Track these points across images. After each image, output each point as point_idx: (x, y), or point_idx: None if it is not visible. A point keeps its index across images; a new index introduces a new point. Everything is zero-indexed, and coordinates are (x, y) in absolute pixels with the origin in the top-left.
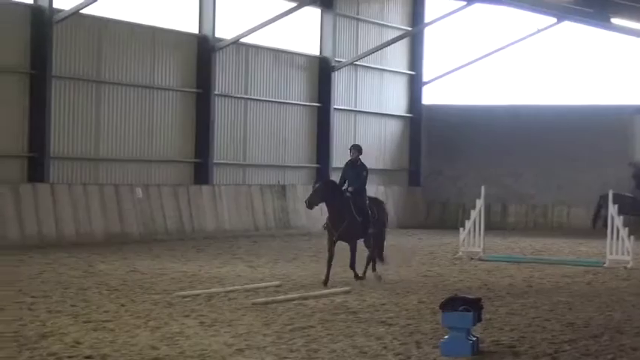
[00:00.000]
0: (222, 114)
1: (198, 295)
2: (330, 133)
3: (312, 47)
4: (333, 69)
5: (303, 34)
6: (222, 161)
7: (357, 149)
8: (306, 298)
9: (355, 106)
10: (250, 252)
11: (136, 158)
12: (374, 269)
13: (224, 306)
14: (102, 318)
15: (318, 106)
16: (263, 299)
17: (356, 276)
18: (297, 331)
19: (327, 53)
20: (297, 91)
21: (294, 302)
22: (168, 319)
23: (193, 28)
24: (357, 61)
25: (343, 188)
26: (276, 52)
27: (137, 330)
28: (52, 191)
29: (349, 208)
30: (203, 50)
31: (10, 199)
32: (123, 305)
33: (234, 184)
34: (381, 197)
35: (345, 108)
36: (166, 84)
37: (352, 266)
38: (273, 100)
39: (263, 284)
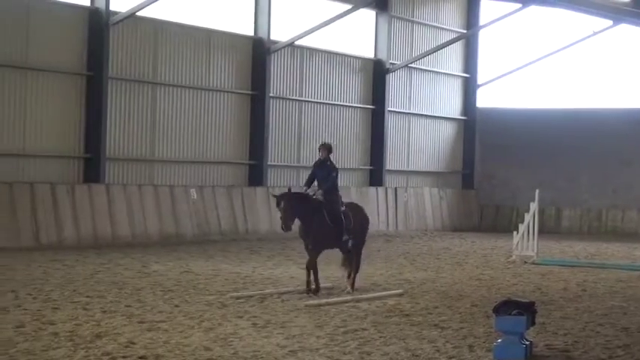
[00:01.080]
0: (276, 116)
1: (251, 296)
2: (384, 135)
3: (366, 49)
4: (387, 71)
5: (357, 36)
6: (276, 163)
7: (326, 148)
8: (358, 301)
9: (409, 109)
10: (303, 254)
11: (191, 160)
12: (350, 281)
13: (277, 307)
14: (156, 318)
15: (373, 109)
16: (316, 301)
17: (308, 286)
18: (349, 333)
19: (382, 55)
20: (351, 93)
21: (347, 304)
22: (222, 320)
23: (249, 31)
24: (411, 63)
25: (311, 193)
26: (331, 55)
27: (191, 330)
28: (108, 192)
29: (320, 213)
30: (258, 52)
31: (66, 200)
32: (177, 306)
33: (288, 185)
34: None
35: (400, 110)
36: (221, 86)
37: (308, 272)
38: (328, 102)
39: None
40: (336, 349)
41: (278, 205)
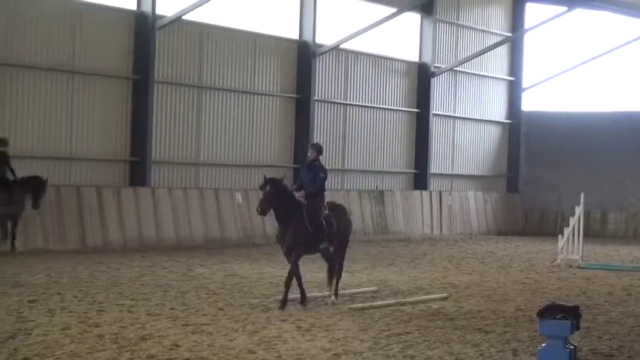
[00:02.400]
0: (321, 119)
1: (296, 299)
2: (429, 138)
3: (411, 53)
4: (432, 75)
5: (402, 39)
6: None
7: (316, 149)
8: (403, 304)
9: (454, 112)
10: (348, 257)
11: (236, 163)
12: (334, 289)
13: (321, 311)
14: (200, 321)
15: (417, 112)
16: (360, 304)
17: (284, 300)
18: (393, 336)
19: (427, 59)
20: (396, 96)
21: (391, 308)
22: (266, 323)
23: (294, 34)
24: (456, 66)
25: (296, 194)
26: (376, 58)
27: (235, 334)
28: (153, 195)
29: (300, 215)
30: (303, 56)
31: (112, 203)
32: (221, 309)
33: (333, 189)
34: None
35: (444, 114)
36: (266, 89)
37: (287, 284)
38: (373, 105)
39: (360, 289)
40: (380, 353)
41: (263, 187)
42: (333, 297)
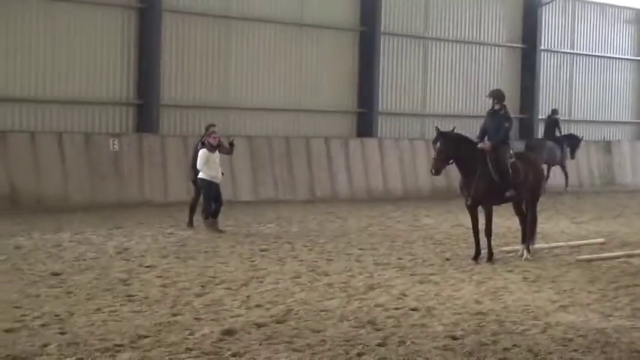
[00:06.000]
0: (547, 69)
1: (515, 251)
2: None
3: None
4: None
5: None
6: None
7: (495, 96)
8: (631, 256)
9: None
10: (574, 208)
11: (461, 114)
12: (525, 244)
13: (548, 262)
14: (427, 271)
15: None
16: (587, 256)
17: (490, 253)
18: (621, 289)
19: None
20: (623, 45)
21: (619, 260)
22: (492, 274)
23: None
24: None
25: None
26: (603, 6)
27: (462, 284)
28: (380, 146)
29: (483, 163)
30: (529, 5)
31: (340, 154)
32: (448, 259)
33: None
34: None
35: None
36: (492, 39)
37: (487, 234)
38: (600, 54)
39: (587, 241)
40: (608, 305)
41: (434, 142)
42: (525, 252)
